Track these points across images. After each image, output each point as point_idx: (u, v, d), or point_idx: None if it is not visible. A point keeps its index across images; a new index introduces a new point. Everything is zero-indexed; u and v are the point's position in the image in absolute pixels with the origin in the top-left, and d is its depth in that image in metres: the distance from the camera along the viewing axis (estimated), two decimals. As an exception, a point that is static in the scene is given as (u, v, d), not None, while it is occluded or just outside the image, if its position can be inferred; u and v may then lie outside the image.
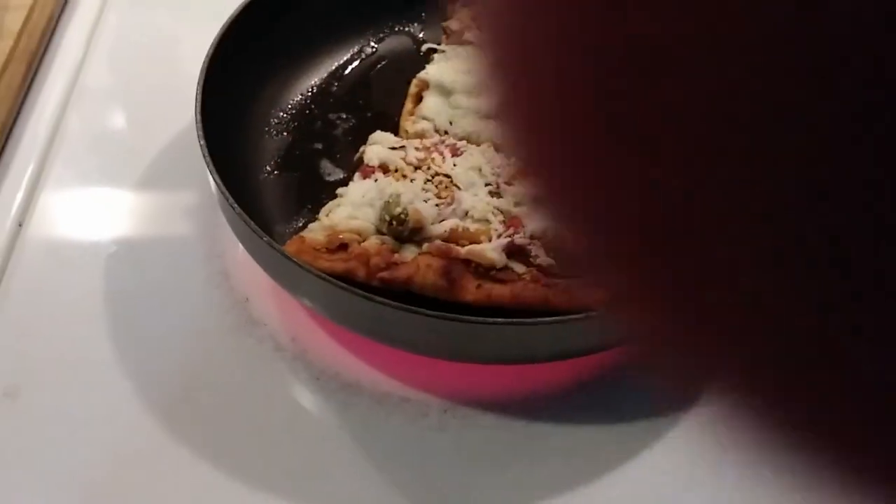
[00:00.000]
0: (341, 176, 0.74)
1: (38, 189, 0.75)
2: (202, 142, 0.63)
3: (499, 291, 0.64)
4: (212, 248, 0.71)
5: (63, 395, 0.62)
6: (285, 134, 0.77)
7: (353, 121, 0.79)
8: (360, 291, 0.56)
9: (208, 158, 0.62)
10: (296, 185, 0.73)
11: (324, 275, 0.59)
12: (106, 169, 0.78)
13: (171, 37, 0.92)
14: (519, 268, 0.66)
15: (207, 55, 0.69)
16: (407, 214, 0.65)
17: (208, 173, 0.62)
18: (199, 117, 0.64)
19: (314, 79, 0.81)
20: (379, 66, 0.84)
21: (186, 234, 0.72)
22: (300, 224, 0.70)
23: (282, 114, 0.78)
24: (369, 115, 0.80)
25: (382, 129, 0.76)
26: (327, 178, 0.74)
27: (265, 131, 0.76)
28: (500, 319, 0.57)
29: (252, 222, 0.58)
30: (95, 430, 0.60)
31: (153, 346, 0.65)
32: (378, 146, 0.72)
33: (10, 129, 0.79)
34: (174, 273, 0.69)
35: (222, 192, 0.60)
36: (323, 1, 0.81)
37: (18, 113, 0.81)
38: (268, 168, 0.74)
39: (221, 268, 0.70)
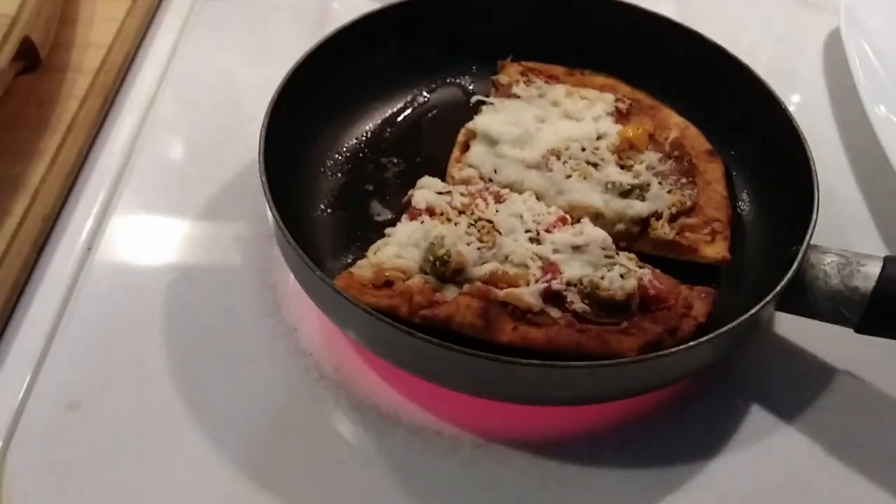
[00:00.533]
0: (390, 216, 0.78)
1: (107, 215, 0.80)
2: (263, 178, 0.67)
3: (534, 334, 0.67)
4: (265, 278, 0.75)
5: (119, 410, 0.66)
6: (339, 175, 0.81)
7: (403, 165, 0.83)
8: (403, 327, 0.60)
9: (268, 195, 0.66)
10: (347, 224, 0.78)
11: (369, 309, 0.62)
12: (171, 200, 0.83)
13: (236, 78, 0.97)
14: (554, 312, 0.68)
15: (272, 99, 0.74)
16: (450, 256, 0.69)
17: (267, 209, 0.66)
18: (261, 157, 0.69)
19: (369, 124, 0.86)
20: (430, 114, 0.89)
21: (242, 265, 0.77)
22: (349, 260, 0.74)
23: (337, 156, 0.83)
24: (418, 160, 0.84)
25: (430, 175, 0.80)
26: (377, 218, 0.78)
27: (321, 172, 0.81)
28: (534, 361, 0.59)
29: (305, 256, 0.62)
30: (147, 443, 0.64)
31: (206, 368, 0.69)
32: (426, 190, 0.76)
33: (85, 159, 0.85)
34: (229, 300, 0.74)
35: (279, 227, 0.65)
36: (382, 53, 0.87)
37: (93, 143, 0.87)
38: (322, 206, 0.78)
39: (273, 298, 0.74)
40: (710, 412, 0.68)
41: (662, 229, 0.75)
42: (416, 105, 0.89)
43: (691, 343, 0.62)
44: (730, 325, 0.61)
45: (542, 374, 0.60)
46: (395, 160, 0.84)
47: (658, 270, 0.72)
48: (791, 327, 0.73)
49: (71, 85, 0.86)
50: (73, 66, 0.88)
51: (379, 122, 0.87)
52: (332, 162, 0.82)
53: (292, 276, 0.71)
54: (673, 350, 0.61)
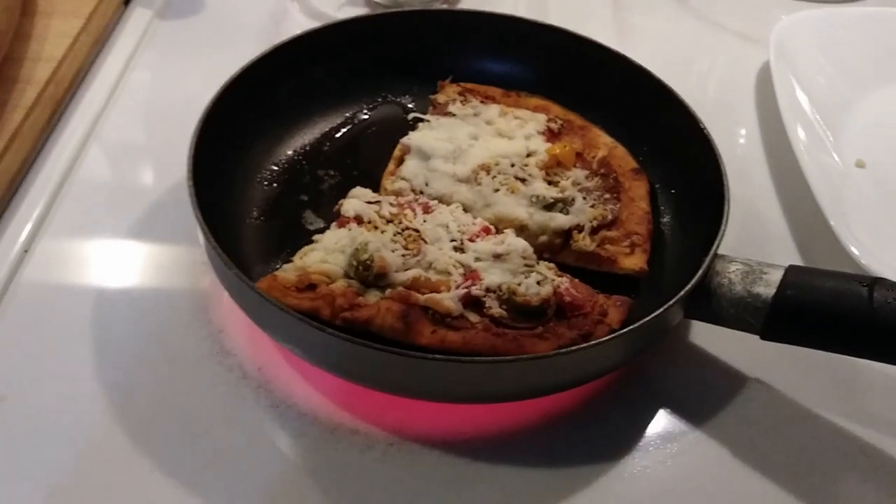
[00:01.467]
0: (322, 225, 0.80)
1: (46, 220, 0.82)
2: (190, 182, 0.69)
3: (451, 337, 0.69)
4: (195, 284, 0.77)
5: (43, 404, 0.67)
6: (275, 185, 0.84)
7: (339, 177, 0.86)
8: (318, 325, 0.61)
9: (194, 199, 0.68)
10: (278, 232, 0.80)
11: (288, 309, 0.64)
12: (108, 209, 0.84)
13: (184, 97, 0.98)
14: (473, 317, 0.70)
15: (206, 108, 0.76)
16: (372, 261, 0.71)
17: (194, 212, 0.68)
18: (190, 163, 0.71)
19: (308, 138, 0.89)
20: (369, 130, 0.92)
21: (172, 272, 0.78)
22: (278, 266, 0.76)
23: (273, 167, 0.85)
24: (355, 173, 0.86)
25: (363, 184, 0.83)
26: (309, 227, 0.80)
27: (256, 182, 0.83)
28: (439, 356, 0.61)
29: (226, 257, 0.64)
30: (68, 437, 0.65)
31: (131, 366, 0.70)
32: (356, 200, 0.78)
33: (29, 168, 0.87)
34: (159, 305, 0.75)
35: (203, 230, 0.67)
36: (322, 70, 0.90)
37: (38, 154, 0.88)
38: (254, 214, 0.80)
39: (202, 303, 0.76)
40: (620, 415, 0.70)
41: (583, 241, 0.78)
42: (356, 121, 0.92)
43: (594, 341, 0.64)
44: (634, 325, 0.64)
45: (447, 370, 0.62)
46: (332, 172, 0.86)
47: (576, 280, 0.74)
48: (704, 336, 0.75)
49: (19, 96, 0.88)
50: (22, 78, 0.90)
51: (318, 135, 0.89)
52: (268, 172, 0.84)
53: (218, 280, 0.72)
54: (575, 348, 0.63)
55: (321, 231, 0.78)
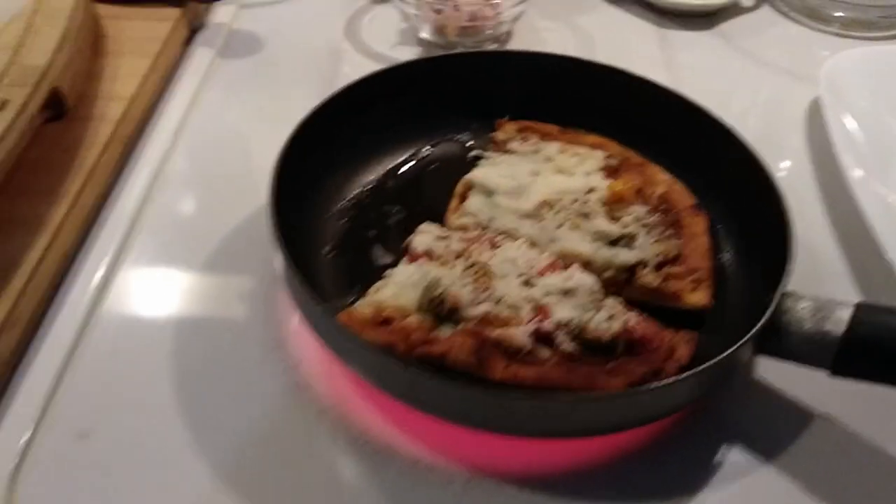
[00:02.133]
0: (390, 261, 0.82)
1: (122, 257, 0.84)
2: (273, 219, 0.72)
3: (524, 372, 0.71)
4: (270, 318, 0.79)
5: (125, 440, 0.69)
6: (344, 220, 0.86)
7: (404, 213, 0.88)
8: (398, 358, 0.63)
9: (277, 234, 0.71)
10: (349, 267, 0.82)
11: (368, 343, 0.66)
12: (181, 244, 0.87)
13: (247, 134, 1.02)
14: (544, 352, 0.72)
15: (282, 149, 0.79)
16: (445, 297, 0.73)
17: (277, 248, 0.70)
18: (272, 200, 0.74)
19: (373, 175, 0.91)
20: (431, 167, 0.94)
21: (248, 306, 0.80)
22: (351, 300, 0.78)
23: (341, 203, 0.88)
24: (419, 209, 0.89)
25: (428, 219, 0.85)
26: (378, 262, 0.83)
27: (326, 218, 0.86)
28: (520, 393, 0.63)
29: (310, 289, 0.67)
30: (151, 473, 0.67)
31: (211, 400, 0.72)
32: (425, 235, 0.80)
33: (103, 203, 0.89)
34: (235, 338, 0.77)
35: (288, 264, 0.69)
36: (387, 109, 0.92)
37: (111, 189, 0.91)
38: (325, 249, 0.83)
39: (277, 335, 0.78)
40: (692, 452, 0.70)
41: (647, 277, 0.79)
42: (418, 158, 0.94)
43: (670, 379, 0.65)
44: (707, 364, 0.65)
45: (525, 405, 0.63)
46: (397, 208, 0.88)
47: (644, 315, 0.76)
48: (772, 372, 0.76)
49: (94, 133, 0.91)
50: (96, 116, 0.93)
51: (382, 173, 0.92)
52: (337, 208, 0.87)
53: (295, 315, 0.74)
54: (653, 386, 0.64)
55: (390, 266, 0.80)
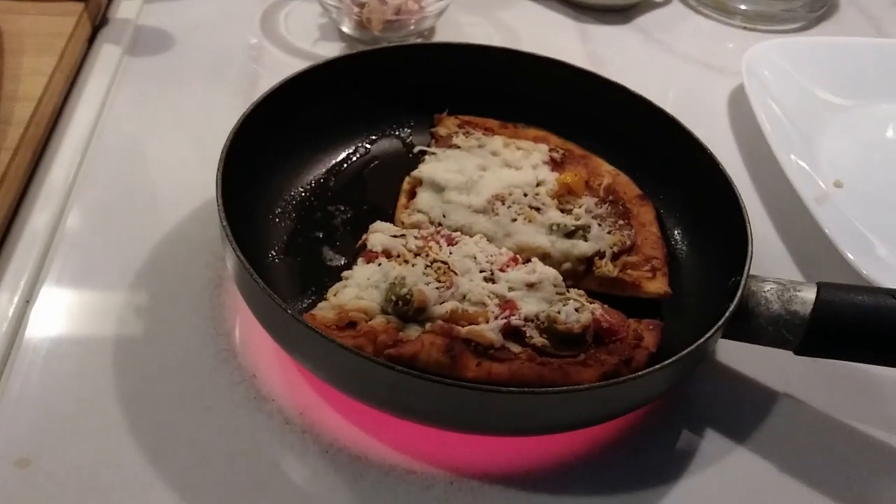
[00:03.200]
0: (342, 262, 0.79)
1: (40, 279, 0.77)
2: (224, 223, 0.67)
3: (497, 369, 0.69)
4: (217, 327, 0.74)
5: (77, 467, 0.63)
6: (287, 223, 0.82)
7: (350, 212, 0.84)
8: (381, 360, 0.60)
9: (230, 238, 0.66)
10: (299, 270, 0.78)
11: (345, 344, 0.62)
12: (109, 252, 0.80)
13: (165, 137, 0.96)
14: (515, 347, 0.70)
15: (223, 151, 0.74)
16: (412, 295, 0.70)
17: (231, 252, 0.65)
18: (220, 203, 0.69)
19: (313, 174, 0.87)
20: (372, 164, 0.91)
21: (191, 314, 0.75)
22: (305, 304, 0.74)
23: (284, 204, 0.83)
24: (365, 207, 0.85)
25: (374, 219, 0.82)
26: (329, 264, 0.79)
27: (269, 220, 0.81)
28: (504, 388, 0.61)
29: (276, 295, 0.62)
30: (108, 497, 0.61)
31: (163, 420, 0.66)
32: (381, 234, 0.77)
33: (14, 217, 0.81)
34: (180, 350, 0.72)
35: (245, 269, 0.64)
36: (323, 106, 0.88)
37: (22, 201, 0.83)
38: (272, 253, 0.78)
39: (228, 345, 0.72)
40: (666, 439, 0.70)
41: (606, 267, 0.79)
42: (358, 155, 0.91)
43: (647, 370, 0.64)
44: (682, 353, 0.64)
45: (503, 401, 0.61)
46: (343, 208, 0.85)
47: (606, 305, 0.75)
48: (731, 354, 0.77)
49: (2, 137, 0.83)
50: (3, 119, 0.85)
51: (323, 171, 0.88)
52: (280, 210, 0.82)
53: (243, 321, 0.70)
54: (631, 376, 0.63)
55: (344, 268, 0.77)
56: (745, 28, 1.30)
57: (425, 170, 0.85)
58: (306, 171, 0.87)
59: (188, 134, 0.95)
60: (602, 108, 0.92)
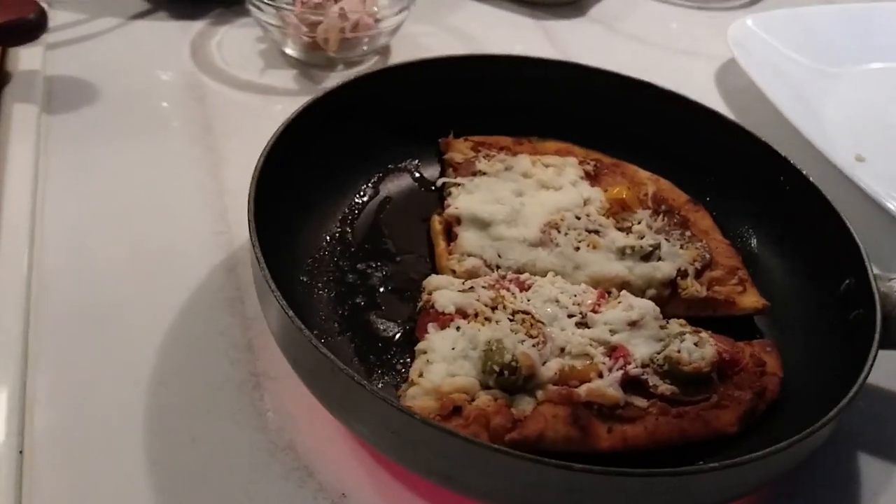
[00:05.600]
0: (397, 330, 0.66)
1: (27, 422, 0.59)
2: (289, 312, 0.53)
3: (633, 432, 0.58)
4: (276, 440, 0.59)
5: None
6: (321, 293, 0.67)
7: (384, 268, 0.71)
8: (553, 461, 0.48)
9: (306, 332, 0.52)
10: (355, 349, 0.64)
11: (468, 435, 0.50)
12: (103, 384, 0.63)
13: (122, 203, 0.79)
14: (640, 401, 0.60)
15: (250, 217, 0.59)
16: (518, 361, 0.58)
17: (307, 346, 0.52)
18: (274, 288, 0.54)
19: (327, 229, 0.73)
20: (387, 207, 0.77)
21: (237, 430, 0.60)
22: (379, 385, 0.60)
23: (309, 272, 0.69)
24: (398, 259, 0.72)
25: (416, 272, 0.71)
26: (383, 334, 0.65)
27: (302, 293, 0.66)
28: (707, 467, 0.50)
29: (378, 390, 0.49)
30: None
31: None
32: (446, 290, 0.64)
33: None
34: (243, 478, 0.57)
35: (327, 360, 0.51)
36: (318, 154, 0.73)
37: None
38: (315, 333, 0.63)
39: (296, 460, 0.58)
40: (829, 475, 0.62)
41: (693, 287, 0.70)
42: (367, 198, 0.78)
43: (818, 425, 0.54)
44: (854, 388, 0.55)
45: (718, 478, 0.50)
46: (374, 264, 0.71)
47: (709, 332, 0.66)
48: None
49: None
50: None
51: (336, 224, 0.74)
52: (306, 279, 0.68)
53: (299, 423, 0.56)
54: (807, 432, 0.53)
55: (402, 336, 0.65)
56: (698, 8, 1.25)
57: (461, 205, 0.73)
58: (318, 228, 0.73)
59: (152, 202, 0.79)
60: (623, 109, 0.83)
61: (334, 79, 0.99)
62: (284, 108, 0.92)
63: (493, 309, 0.64)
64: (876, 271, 0.64)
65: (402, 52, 1.05)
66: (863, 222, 0.69)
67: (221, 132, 0.88)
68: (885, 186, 0.84)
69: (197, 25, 1.05)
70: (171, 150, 0.85)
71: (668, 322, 0.66)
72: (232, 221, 0.77)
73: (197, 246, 0.74)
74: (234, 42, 1.03)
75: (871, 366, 0.57)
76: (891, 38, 1.11)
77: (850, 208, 0.70)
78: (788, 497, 0.60)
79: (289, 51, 1.01)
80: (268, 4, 0.96)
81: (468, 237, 0.71)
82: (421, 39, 1.08)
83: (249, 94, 0.95)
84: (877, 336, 0.58)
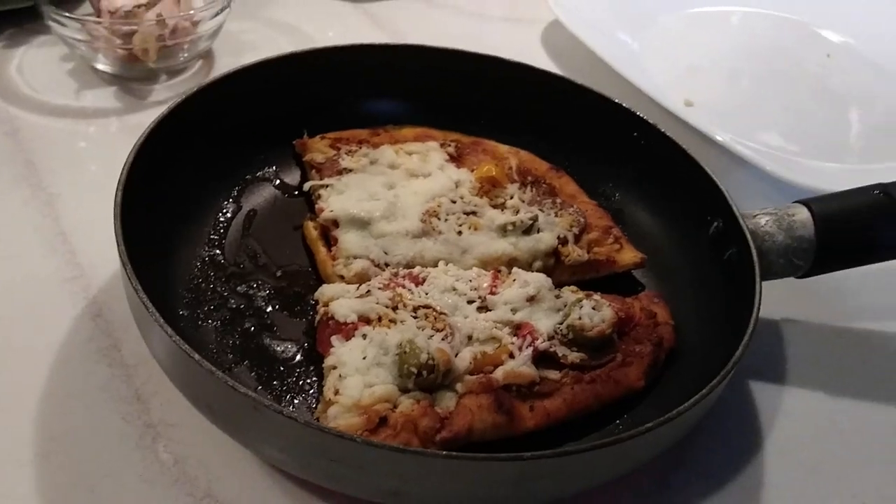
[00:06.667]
0: (295, 348, 0.63)
1: None
2: (192, 354, 0.48)
3: (553, 405, 0.59)
4: (193, 491, 0.55)
5: None
6: (206, 324, 0.63)
7: (266, 287, 0.67)
8: (503, 455, 0.47)
9: (219, 373, 0.48)
10: (255, 378, 0.60)
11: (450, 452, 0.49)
12: None
13: None
14: (553, 374, 0.61)
15: (122, 257, 0.54)
16: (434, 359, 0.57)
17: (216, 383, 0.48)
18: (167, 328, 0.50)
19: (195, 253, 0.68)
20: (253, 220, 0.73)
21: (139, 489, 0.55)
22: (290, 410, 0.57)
23: (188, 303, 0.64)
24: (278, 274, 0.69)
25: (300, 285, 0.68)
26: (283, 356, 0.62)
27: (182, 321, 0.61)
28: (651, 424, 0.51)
29: (312, 421, 0.46)
30: None
31: None
32: (343, 300, 0.62)
33: None
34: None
35: (244, 396, 0.48)
36: (174, 173, 0.68)
37: None
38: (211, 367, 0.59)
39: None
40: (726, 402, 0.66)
41: (575, 253, 0.71)
42: (230, 214, 0.73)
43: (718, 379, 0.56)
44: (749, 329, 0.59)
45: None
46: (255, 284, 0.67)
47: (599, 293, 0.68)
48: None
49: None
50: None
51: (204, 247, 0.69)
52: (186, 313, 0.63)
53: (217, 471, 0.52)
54: (706, 390, 0.55)
55: (303, 356, 0.62)
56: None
57: (336, 206, 0.70)
58: (187, 255, 0.68)
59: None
60: (471, 85, 0.83)
61: (159, 91, 0.92)
62: (111, 131, 0.86)
63: (395, 309, 0.62)
64: (739, 210, 0.68)
65: (226, 53, 0.99)
66: (706, 165, 0.73)
67: (46, 167, 0.80)
68: (717, 126, 0.90)
69: (-14, 50, 0.95)
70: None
71: (560, 291, 0.67)
72: (84, 264, 0.70)
73: (50, 298, 0.67)
74: (37, 63, 0.93)
75: (760, 300, 0.60)
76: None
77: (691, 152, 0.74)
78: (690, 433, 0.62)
79: (101, 66, 0.92)
80: (71, 18, 0.88)
81: (350, 239, 0.69)
82: (243, 37, 1.03)
83: (68, 120, 0.86)
84: (758, 272, 0.62)
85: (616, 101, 0.79)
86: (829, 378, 0.69)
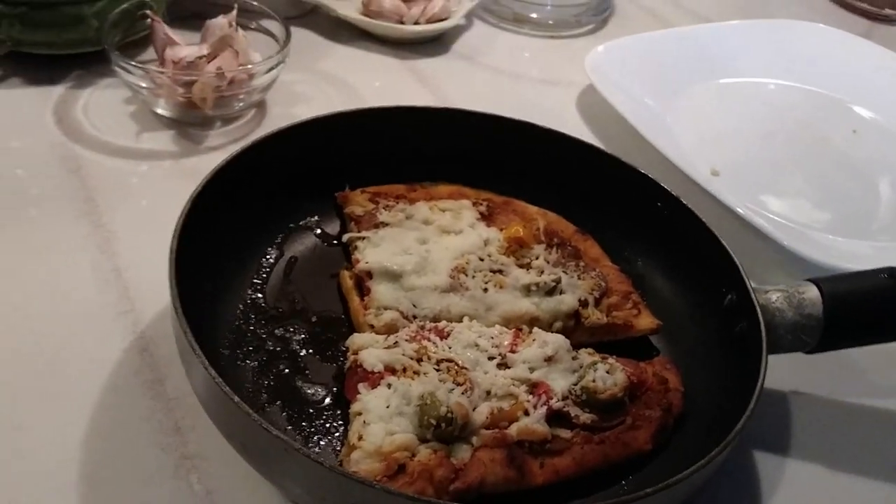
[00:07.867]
0: (324, 392, 0.67)
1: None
2: (235, 397, 0.53)
3: (563, 464, 0.63)
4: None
5: None
6: (245, 363, 0.68)
7: (302, 332, 0.72)
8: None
9: (255, 415, 0.52)
10: (286, 418, 0.65)
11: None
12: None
13: (16, 299, 0.76)
14: (564, 433, 0.64)
15: (173, 305, 0.59)
16: (453, 413, 0.61)
17: (250, 424, 0.52)
18: (213, 372, 0.55)
19: (238, 295, 0.73)
20: (294, 268, 0.78)
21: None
22: (316, 452, 0.62)
23: (228, 343, 0.69)
24: (314, 319, 0.74)
25: (332, 330, 0.72)
26: (313, 399, 0.67)
27: (222, 365, 0.66)
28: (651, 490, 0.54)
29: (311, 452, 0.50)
30: None
31: None
32: (372, 349, 0.66)
33: None
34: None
35: (277, 438, 0.52)
36: (225, 220, 0.73)
37: None
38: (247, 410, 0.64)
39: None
40: (729, 470, 0.68)
41: (595, 316, 0.75)
42: (273, 260, 0.78)
43: (725, 442, 0.60)
44: (754, 395, 0.62)
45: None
46: (291, 328, 0.72)
47: (615, 357, 0.71)
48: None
49: None
50: None
51: (247, 289, 0.74)
52: (227, 352, 0.68)
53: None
54: (713, 454, 0.58)
55: (332, 400, 0.66)
56: (549, 37, 1.32)
57: (371, 258, 0.75)
58: (231, 298, 0.73)
59: (43, 293, 0.75)
60: (505, 148, 0.88)
61: (214, 137, 0.98)
62: (167, 172, 0.92)
63: (419, 361, 0.66)
64: (753, 284, 0.72)
65: (279, 103, 1.05)
66: (727, 235, 0.76)
67: (106, 204, 0.85)
68: (741, 197, 0.93)
69: (57, 90, 1.01)
70: (53, 231, 0.82)
71: (578, 353, 0.70)
72: (135, 299, 0.75)
73: (102, 330, 0.72)
74: (101, 105, 1.00)
75: (765, 373, 0.63)
76: (728, 56, 1.22)
77: (712, 222, 0.77)
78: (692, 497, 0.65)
79: (161, 111, 0.99)
80: (136, 66, 0.94)
81: (382, 290, 0.73)
82: (295, 88, 1.09)
83: (128, 161, 0.92)
84: (764, 346, 0.65)
85: (642, 171, 0.82)
86: (832, 453, 0.72)
